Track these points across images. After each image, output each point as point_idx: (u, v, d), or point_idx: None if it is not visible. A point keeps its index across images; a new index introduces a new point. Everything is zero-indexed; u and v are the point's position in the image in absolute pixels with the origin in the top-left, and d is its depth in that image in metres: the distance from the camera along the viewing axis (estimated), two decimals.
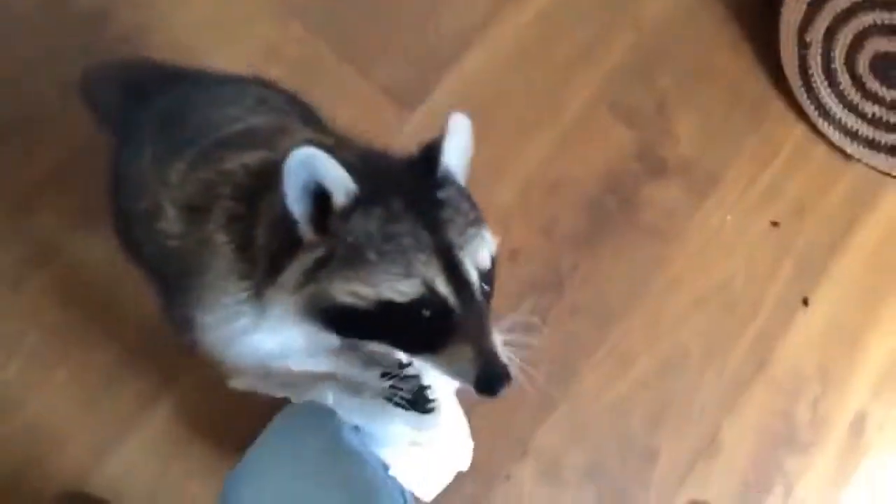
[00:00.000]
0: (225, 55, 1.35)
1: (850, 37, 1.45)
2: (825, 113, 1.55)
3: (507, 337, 0.78)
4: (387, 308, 0.73)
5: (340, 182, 0.73)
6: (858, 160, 1.57)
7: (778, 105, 1.59)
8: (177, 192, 0.85)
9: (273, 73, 1.13)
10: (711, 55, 1.60)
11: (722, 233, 1.52)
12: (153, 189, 0.87)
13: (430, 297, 0.73)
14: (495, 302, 1.32)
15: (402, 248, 0.73)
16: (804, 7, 1.46)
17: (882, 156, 1.55)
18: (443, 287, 0.73)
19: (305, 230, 0.74)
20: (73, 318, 1.23)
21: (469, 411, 1.30)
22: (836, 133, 1.56)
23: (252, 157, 0.83)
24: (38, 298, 1.23)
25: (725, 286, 1.49)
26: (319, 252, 0.74)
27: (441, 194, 0.76)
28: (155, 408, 1.24)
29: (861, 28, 1.42)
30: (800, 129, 1.59)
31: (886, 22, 1.38)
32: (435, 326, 0.74)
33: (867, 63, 1.46)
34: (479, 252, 0.76)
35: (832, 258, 1.54)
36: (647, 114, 1.55)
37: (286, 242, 0.76)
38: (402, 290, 0.72)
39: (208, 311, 0.82)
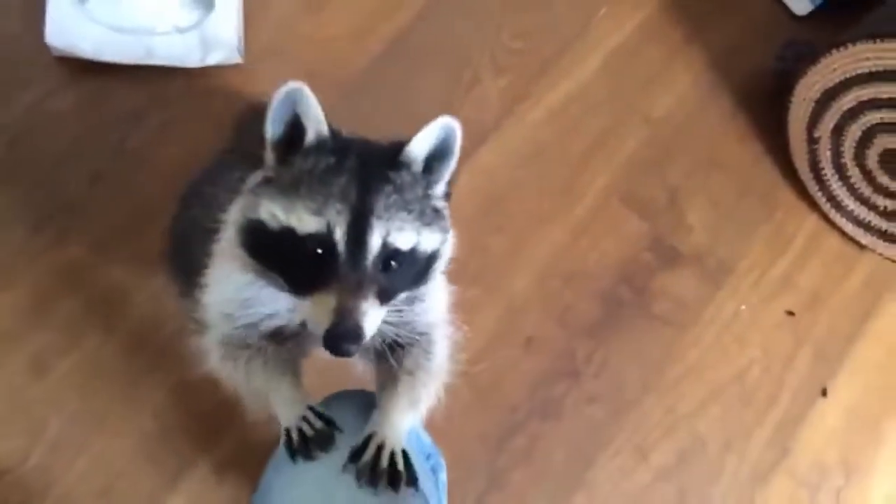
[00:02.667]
0: None
1: (858, 133, 1.47)
2: (837, 205, 1.57)
3: (392, 317, 0.82)
4: (288, 234, 0.78)
5: (316, 122, 0.80)
6: (873, 250, 1.58)
7: (789, 195, 1.62)
8: None
9: None
10: (721, 147, 1.64)
11: (736, 323, 1.52)
12: None
13: (324, 238, 0.77)
14: (510, 388, 1.37)
15: (327, 192, 0.78)
16: (812, 105, 1.50)
17: None
18: (339, 235, 0.77)
19: (270, 153, 0.82)
20: (93, 406, 1.25)
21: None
22: (849, 224, 1.58)
23: None
24: (59, 386, 1.25)
25: (741, 377, 1.49)
26: (270, 172, 0.81)
27: (392, 174, 0.81)
28: (172, 495, 1.25)
29: (869, 125, 1.45)
30: (812, 220, 1.61)
31: (893, 120, 1.41)
32: (318, 268, 0.77)
33: (877, 158, 1.48)
34: (398, 232, 0.79)
35: (850, 348, 1.54)
36: (659, 205, 1.58)
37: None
38: (305, 222, 0.77)
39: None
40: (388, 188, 0.79)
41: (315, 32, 1.56)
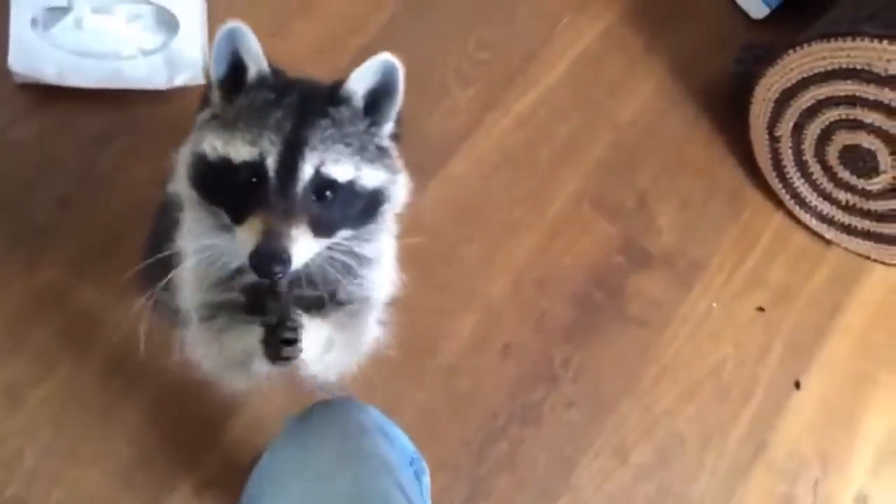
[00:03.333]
0: None
1: (817, 131, 1.51)
2: (801, 202, 1.60)
3: (333, 249, 0.83)
4: (225, 165, 0.81)
5: (256, 59, 0.83)
6: (838, 245, 1.61)
7: (755, 194, 1.65)
8: None
9: None
10: (687, 150, 1.66)
11: (709, 321, 1.55)
12: None
13: (256, 166, 0.79)
14: (489, 394, 1.39)
15: (263, 124, 0.80)
16: (771, 105, 1.53)
17: (859, 240, 1.59)
18: (271, 163, 0.79)
19: (215, 91, 0.84)
20: (68, 435, 1.24)
21: None
22: (814, 220, 1.61)
23: None
24: (34, 416, 1.24)
25: (716, 373, 1.51)
26: (216, 110, 0.84)
27: (331, 109, 0.83)
28: None
29: (827, 123, 1.48)
30: (778, 217, 1.64)
31: (850, 116, 1.44)
32: (251, 195, 0.79)
33: (836, 154, 1.52)
34: (333, 163, 0.80)
35: (820, 341, 1.57)
36: (628, 208, 1.60)
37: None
38: (240, 151, 0.80)
39: None
40: (325, 121, 0.81)
41: (281, 50, 1.50)
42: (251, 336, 0.87)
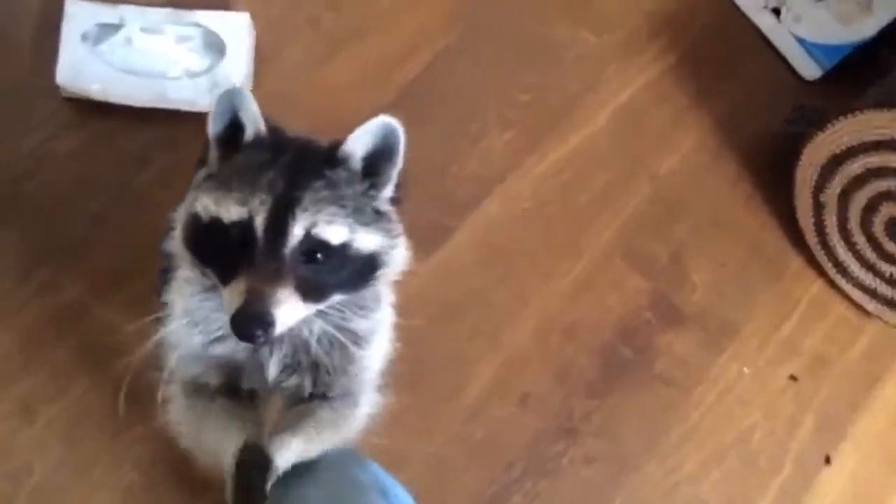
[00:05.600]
0: None
1: (864, 200, 1.47)
2: (843, 271, 1.56)
3: (325, 320, 0.82)
4: (216, 225, 0.79)
5: (253, 119, 0.83)
6: (879, 318, 1.56)
7: (795, 259, 1.60)
8: None
9: None
10: (727, 208, 1.63)
11: (739, 386, 1.50)
12: None
13: (245, 225, 0.77)
14: (505, 444, 1.36)
15: (255, 184, 0.79)
16: (818, 170, 1.49)
17: None
18: (260, 223, 0.77)
19: (213, 150, 0.85)
20: (78, 456, 1.23)
21: None
22: (855, 290, 1.56)
23: None
24: (46, 433, 1.23)
25: (744, 440, 1.46)
26: (212, 170, 0.84)
27: (327, 170, 0.82)
28: None
29: (875, 193, 1.44)
30: (818, 284, 1.59)
31: None
32: (238, 256, 0.77)
33: (883, 226, 1.47)
34: (326, 224, 0.78)
35: (855, 415, 1.51)
36: (662, 263, 1.56)
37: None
38: (230, 211, 0.79)
39: None
40: (320, 183, 0.80)
41: (325, 80, 1.57)
42: (226, 442, 0.86)
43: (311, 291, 0.78)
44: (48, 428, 1.24)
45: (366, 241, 0.81)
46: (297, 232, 0.77)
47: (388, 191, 0.85)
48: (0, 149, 1.41)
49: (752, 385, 1.50)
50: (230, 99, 0.83)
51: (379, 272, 0.84)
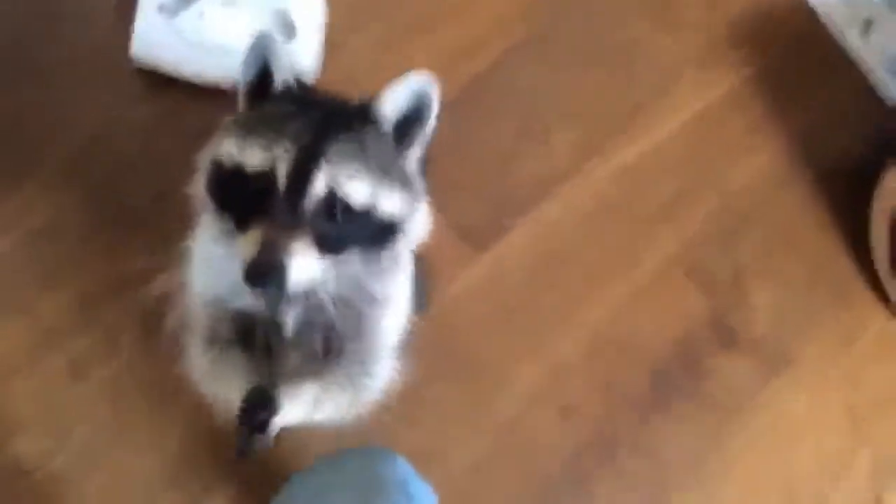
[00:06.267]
0: None
1: None
2: None
3: (339, 279, 0.79)
4: (238, 172, 0.78)
5: (284, 69, 0.82)
6: None
7: (864, 289, 1.54)
8: None
9: None
10: (796, 230, 1.56)
11: (791, 416, 1.44)
12: None
13: (266, 174, 0.76)
14: (540, 455, 1.33)
15: (279, 133, 0.77)
16: None
17: None
18: (281, 174, 0.75)
19: (241, 97, 0.84)
20: (123, 420, 1.25)
21: None
22: None
23: None
24: (93, 394, 1.26)
25: (790, 474, 1.41)
26: (238, 116, 0.83)
27: (356, 126, 0.79)
28: None
29: None
30: (884, 316, 1.52)
31: None
32: (258, 204, 0.76)
33: None
34: (348, 180, 0.76)
35: None
36: (723, 281, 1.51)
37: None
38: (252, 158, 0.77)
39: None
40: (346, 136, 0.78)
41: (391, 68, 1.51)
42: (237, 385, 0.86)
43: (327, 246, 0.77)
44: (96, 389, 1.26)
45: (388, 202, 0.79)
46: (318, 185, 0.76)
47: (416, 151, 0.83)
48: (72, 112, 1.44)
49: (805, 416, 1.45)
50: (262, 47, 0.82)
51: (398, 235, 0.82)
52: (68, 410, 1.25)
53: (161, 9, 1.46)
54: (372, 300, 0.86)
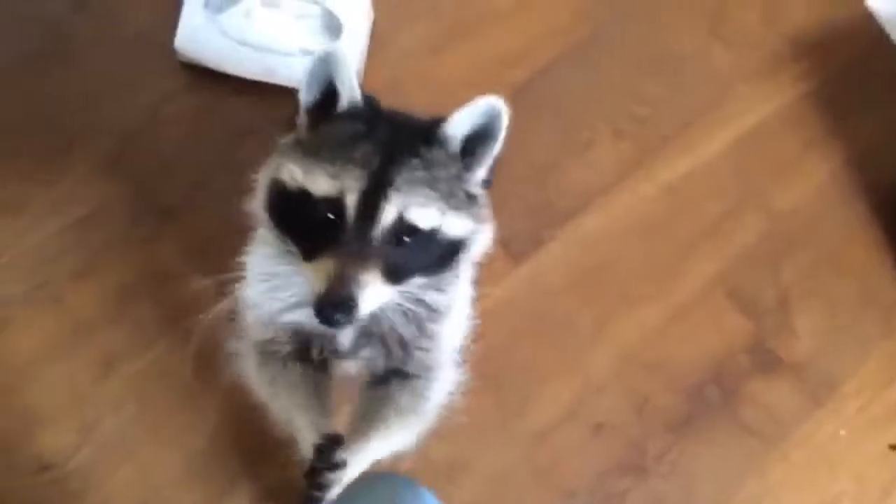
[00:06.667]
0: None
1: None
2: None
3: (402, 294, 0.79)
4: (304, 197, 0.76)
5: (349, 88, 0.80)
6: None
7: None
8: None
9: None
10: (845, 253, 1.51)
11: (832, 447, 1.39)
12: None
13: (335, 202, 0.74)
14: (570, 472, 1.30)
15: (347, 158, 0.76)
16: None
17: None
18: (351, 202, 0.74)
19: (303, 116, 0.82)
20: (150, 414, 1.25)
21: None
22: None
23: None
24: (121, 387, 1.26)
25: None
26: (301, 137, 0.81)
27: (423, 149, 0.78)
28: None
29: None
30: None
31: None
32: (325, 232, 0.75)
33: None
34: (418, 207, 0.75)
35: None
36: (767, 304, 1.47)
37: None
38: (320, 185, 0.75)
39: None
40: (415, 161, 0.76)
41: (435, 72, 1.53)
42: (298, 416, 0.87)
43: (394, 274, 0.76)
44: (125, 384, 1.26)
45: (454, 226, 0.79)
46: (388, 214, 0.75)
47: (481, 173, 0.82)
48: (116, 102, 1.45)
49: (846, 448, 1.40)
50: (326, 64, 0.79)
51: (461, 255, 0.82)
52: (96, 404, 1.26)
53: (206, 5, 1.46)
54: (431, 311, 0.86)
